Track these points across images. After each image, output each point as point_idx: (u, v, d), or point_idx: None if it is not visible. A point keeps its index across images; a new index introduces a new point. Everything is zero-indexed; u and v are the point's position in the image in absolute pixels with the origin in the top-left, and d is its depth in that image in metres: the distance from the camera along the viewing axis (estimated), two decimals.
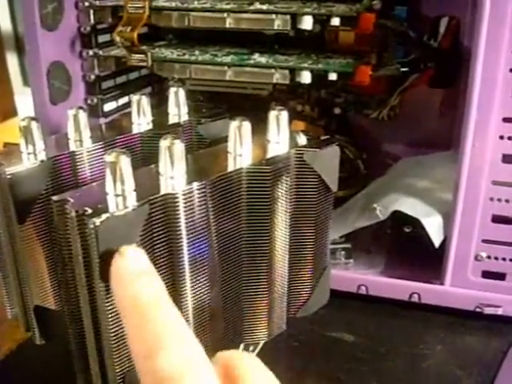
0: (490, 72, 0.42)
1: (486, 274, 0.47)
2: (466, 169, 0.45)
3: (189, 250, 0.30)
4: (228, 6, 0.51)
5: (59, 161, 0.34)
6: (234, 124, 0.32)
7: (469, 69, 0.43)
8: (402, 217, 0.50)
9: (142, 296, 0.24)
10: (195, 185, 0.29)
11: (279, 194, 0.33)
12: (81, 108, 0.36)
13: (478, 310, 0.47)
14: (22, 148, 0.34)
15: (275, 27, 0.50)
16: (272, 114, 0.34)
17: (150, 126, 0.39)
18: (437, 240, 0.48)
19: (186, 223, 0.29)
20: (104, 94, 0.58)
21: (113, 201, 0.27)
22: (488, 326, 0.47)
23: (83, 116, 0.36)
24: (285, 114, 0.34)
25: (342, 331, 0.47)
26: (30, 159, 0.33)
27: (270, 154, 0.34)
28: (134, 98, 0.38)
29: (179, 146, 0.29)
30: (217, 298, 0.33)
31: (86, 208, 0.27)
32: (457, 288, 0.48)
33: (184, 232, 0.29)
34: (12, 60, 1.30)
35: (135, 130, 0.38)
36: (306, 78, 0.50)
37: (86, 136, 0.36)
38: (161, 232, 0.29)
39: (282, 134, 0.34)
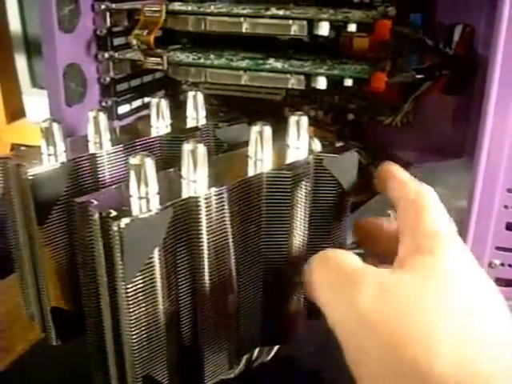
0: (507, 79, 0.42)
1: (500, 282, 0.47)
2: (480, 176, 0.45)
3: (209, 254, 0.30)
4: (244, 11, 0.51)
5: (79, 163, 0.34)
6: (255, 129, 0.32)
7: (483, 76, 0.43)
8: None
9: None
10: (217, 189, 0.29)
11: (299, 199, 0.33)
12: (101, 110, 0.36)
13: None
14: (42, 149, 0.34)
15: (291, 33, 0.50)
16: (292, 119, 0.34)
17: (169, 130, 0.39)
18: None
19: (208, 227, 0.29)
20: (118, 97, 0.59)
21: (136, 203, 0.27)
22: None
23: (103, 118, 0.36)
24: (305, 120, 0.34)
25: None
26: (51, 161, 0.33)
27: (290, 159, 0.34)
28: (153, 100, 0.38)
29: (202, 150, 0.29)
30: (234, 303, 0.33)
31: (111, 210, 0.27)
32: None
33: (205, 236, 0.29)
34: (21, 61, 1.31)
35: (154, 133, 0.38)
36: (321, 83, 0.50)
37: (106, 138, 0.36)
38: (183, 235, 0.29)
39: (301, 139, 0.34)
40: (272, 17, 0.50)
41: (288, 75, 0.51)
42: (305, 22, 0.49)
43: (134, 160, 0.27)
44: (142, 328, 0.28)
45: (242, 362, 0.38)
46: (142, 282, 0.27)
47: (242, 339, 0.35)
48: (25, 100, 1.17)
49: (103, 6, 0.55)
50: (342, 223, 0.37)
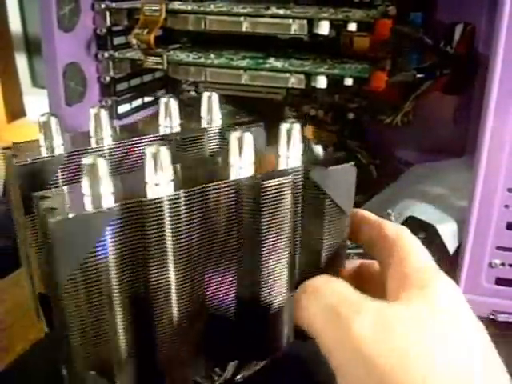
0: (508, 78, 0.42)
1: (500, 281, 0.47)
2: (481, 176, 0.45)
3: (159, 260, 0.29)
4: (245, 10, 0.51)
5: (72, 157, 0.34)
6: (234, 135, 0.30)
7: (484, 75, 0.43)
8: (416, 223, 0.50)
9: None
10: (168, 194, 0.28)
11: (277, 213, 0.30)
12: (102, 106, 0.36)
13: (491, 317, 0.47)
14: (40, 142, 0.34)
15: (292, 32, 0.50)
16: (283, 127, 0.31)
17: (178, 129, 0.38)
18: (451, 246, 0.48)
19: (160, 231, 0.28)
20: (118, 96, 0.59)
21: (88, 202, 0.27)
22: (502, 333, 0.47)
23: (104, 115, 0.36)
24: (297, 127, 0.31)
25: None
26: (48, 153, 0.33)
27: (278, 168, 0.31)
28: (162, 99, 0.37)
29: (165, 153, 0.28)
30: (196, 313, 0.31)
31: (55, 206, 0.26)
32: (470, 295, 0.48)
33: (159, 240, 0.28)
34: (21, 61, 1.31)
35: (161, 132, 0.38)
36: (321, 82, 0.50)
37: (107, 134, 0.36)
38: (138, 238, 0.28)
39: (293, 147, 0.31)
40: (272, 16, 0.50)
41: (288, 74, 0.51)
42: (305, 21, 0.49)
43: (86, 160, 0.27)
44: (83, 328, 0.28)
45: (229, 370, 0.37)
46: (84, 281, 0.27)
47: (210, 352, 0.33)
48: (25, 99, 1.17)
49: (103, 5, 0.55)
50: (339, 244, 0.33)
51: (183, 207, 0.29)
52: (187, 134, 0.36)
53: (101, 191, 0.27)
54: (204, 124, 0.38)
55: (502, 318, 0.47)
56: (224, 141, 0.37)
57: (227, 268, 0.32)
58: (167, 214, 0.28)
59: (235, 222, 0.30)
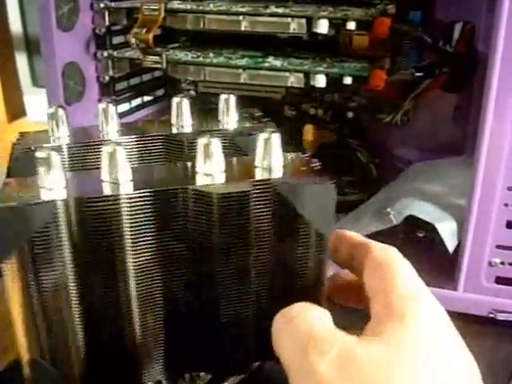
0: (507, 77, 0.42)
1: (500, 280, 0.47)
2: (480, 174, 0.44)
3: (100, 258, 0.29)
4: (243, 9, 0.51)
5: (73, 148, 0.34)
6: (201, 141, 0.29)
7: (483, 73, 0.43)
8: (415, 222, 0.50)
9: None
10: (107, 192, 0.28)
11: (233, 226, 0.29)
12: (110, 102, 0.36)
13: (491, 315, 0.47)
14: (49, 133, 0.35)
15: (291, 31, 0.50)
16: (261, 137, 0.29)
17: (190, 130, 0.37)
18: (450, 245, 0.48)
19: (100, 230, 0.28)
20: (118, 95, 0.58)
21: (45, 193, 0.27)
22: (501, 331, 0.47)
23: (112, 109, 0.36)
24: (276, 137, 0.29)
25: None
26: (55, 143, 0.34)
27: (252, 178, 0.30)
28: (174, 99, 0.37)
29: (121, 153, 0.28)
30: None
31: (8, 194, 0.27)
32: (470, 294, 0.48)
33: (103, 239, 0.28)
34: (21, 60, 1.31)
35: (174, 131, 0.37)
36: (320, 81, 0.50)
37: (113, 130, 0.36)
38: (80, 234, 0.28)
39: (270, 159, 0.30)
40: (271, 15, 0.50)
41: (287, 73, 0.51)
42: (304, 20, 0.49)
43: (40, 154, 0.27)
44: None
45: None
46: (21, 269, 0.27)
47: (165, 359, 0.32)
48: (25, 99, 1.17)
49: (102, 5, 0.55)
50: (317, 266, 0.31)
51: (126, 207, 0.28)
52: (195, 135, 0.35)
53: (52, 185, 0.27)
54: (220, 126, 0.37)
55: (501, 316, 0.47)
56: (233, 144, 0.36)
57: (181, 276, 0.30)
58: (105, 213, 0.28)
59: (191, 231, 0.29)
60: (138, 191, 0.28)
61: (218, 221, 0.28)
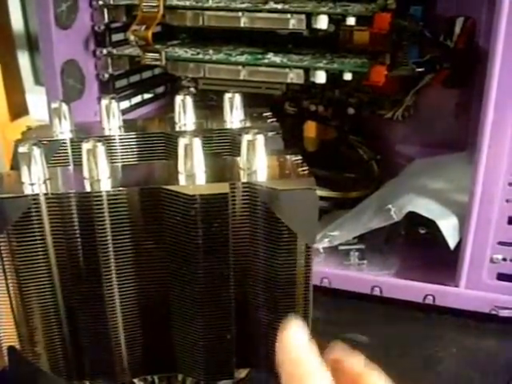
0: (508, 71, 0.41)
1: (502, 277, 0.47)
2: (482, 170, 0.44)
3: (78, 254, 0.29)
4: (243, 5, 0.51)
5: (75, 142, 0.34)
6: (182, 141, 0.29)
7: (484, 69, 0.42)
8: (417, 218, 0.49)
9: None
10: (85, 189, 0.28)
11: (210, 230, 0.28)
12: (113, 98, 0.36)
13: (493, 312, 0.47)
14: (53, 127, 0.35)
15: (290, 27, 0.50)
16: (245, 138, 0.29)
17: (192, 128, 0.37)
18: (452, 242, 0.48)
19: (76, 227, 0.28)
20: (118, 93, 0.58)
21: (28, 188, 0.28)
22: (503, 328, 0.47)
23: (115, 105, 0.36)
24: (261, 139, 0.29)
25: (355, 332, 0.46)
26: (59, 136, 0.35)
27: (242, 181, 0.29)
28: (178, 97, 0.37)
29: (101, 150, 0.28)
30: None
31: None
32: (472, 290, 0.47)
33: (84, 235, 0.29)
34: (24, 59, 1.31)
35: (177, 129, 0.37)
36: (320, 77, 0.50)
37: (115, 126, 0.36)
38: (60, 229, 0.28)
39: (253, 161, 0.29)
40: (270, 11, 0.50)
41: (287, 70, 0.51)
42: (303, 16, 0.49)
43: (22, 148, 0.28)
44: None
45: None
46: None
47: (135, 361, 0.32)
48: (28, 97, 1.17)
49: (101, 2, 0.54)
50: (300, 275, 0.30)
51: (103, 205, 0.28)
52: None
53: (33, 180, 0.28)
54: (225, 125, 0.37)
55: (503, 313, 0.47)
56: (235, 143, 0.35)
57: (159, 276, 0.30)
58: (80, 209, 0.28)
59: (168, 231, 0.29)
60: (114, 189, 0.28)
61: (193, 222, 0.28)
